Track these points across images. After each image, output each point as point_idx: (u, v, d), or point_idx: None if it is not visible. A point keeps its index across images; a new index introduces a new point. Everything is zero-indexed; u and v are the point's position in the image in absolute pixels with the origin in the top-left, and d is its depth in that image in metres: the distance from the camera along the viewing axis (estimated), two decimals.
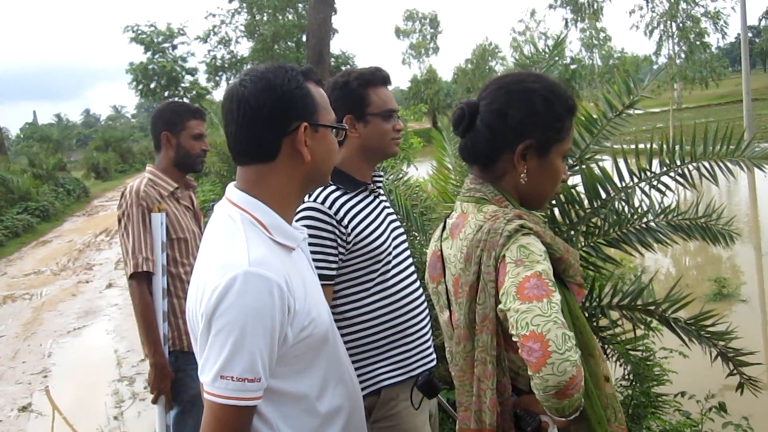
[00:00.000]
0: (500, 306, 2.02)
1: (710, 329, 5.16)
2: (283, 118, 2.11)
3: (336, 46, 54.47)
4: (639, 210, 5.08)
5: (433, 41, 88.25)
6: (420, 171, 13.16)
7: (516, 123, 2.23)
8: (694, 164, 4.85)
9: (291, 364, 2.09)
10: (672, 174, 4.94)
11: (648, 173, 4.99)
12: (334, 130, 2.27)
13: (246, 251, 1.99)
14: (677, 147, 4.93)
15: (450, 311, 2.35)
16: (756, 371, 5.47)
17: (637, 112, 5.29)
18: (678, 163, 4.91)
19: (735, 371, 5.32)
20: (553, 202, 5.12)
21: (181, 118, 4.41)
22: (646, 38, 42.37)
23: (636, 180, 5.02)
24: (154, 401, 4.20)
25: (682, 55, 39.40)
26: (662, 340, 6.07)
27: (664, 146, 4.97)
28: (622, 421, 2.17)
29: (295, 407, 2.13)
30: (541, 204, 2.45)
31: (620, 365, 5.77)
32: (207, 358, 1.96)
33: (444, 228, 2.46)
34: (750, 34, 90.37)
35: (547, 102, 2.24)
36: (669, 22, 39.37)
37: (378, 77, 3.15)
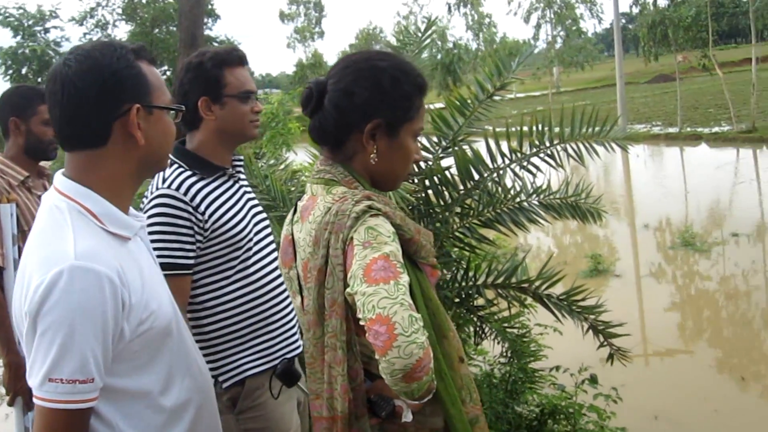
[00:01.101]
0: (348, 289, 1.97)
1: (581, 304, 5.32)
2: (113, 100, 1.97)
3: (221, 30, 53.43)
4: (512, 190, 5.17)
5: (318, 25, 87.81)
6: (300, 156, 13.05)
7: (362, 102, 2.17)
8: (562, 145, 4.96)
9: (130, 360, 1.97)
10: (541, 155, 5.03)
11: (519, 154, 5.07)
12: (170, 112, 2.15)
13: (72, 243, 1.85)
14: (546, 129, 5.01)
15: (302, 297, 2.29)
16: (625, 342, 5.68)
17: (519, 95, 5.39)
18: (547, 144, 5.01)
19: (605, 343, 5.49)
20: (427, 183, 5.13)
21: (30, 102, 4.16)
22: (526, 23, 43.66)
23: (507, 161, 5.08)
24: (10, 403, 3.98)
25: (560, 41, 40.67)
26: (536, 317, 6.22)
27: (534, 128, 5.05)
28: (477, 401, 2.17)
29: (138, 404, 2.01)
30: (394, 185, 2.40)
31: (498, 343, 5.88)
32: (34, 360, 1.83)
33: (295, 211, 2.39)
34: (623, 21, 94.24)
35: (395, 80, 2.20)
36: (546, 8, 40.52)
37: (234, 57, 3.04)
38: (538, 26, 40.29)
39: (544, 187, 5.31)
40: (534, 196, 5.23)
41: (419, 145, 2.42)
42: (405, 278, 1.95)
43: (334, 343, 2.05)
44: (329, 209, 2.11)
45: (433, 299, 2.12)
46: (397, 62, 2.26)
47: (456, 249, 5.51)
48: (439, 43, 47.01)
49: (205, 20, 26.94)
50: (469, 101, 5.24)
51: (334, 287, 2.04)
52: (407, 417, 2.09)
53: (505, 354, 5.95)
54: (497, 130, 5.27)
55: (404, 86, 2.21)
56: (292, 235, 2.34)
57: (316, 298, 2.09)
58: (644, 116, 37.58)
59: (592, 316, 5.34)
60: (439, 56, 46.63)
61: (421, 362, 1.84)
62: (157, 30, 40.66)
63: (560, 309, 5.24)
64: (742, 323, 10.53)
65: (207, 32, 29.19)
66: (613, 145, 5.07)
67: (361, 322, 1.88)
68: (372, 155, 2.20)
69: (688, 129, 30.28)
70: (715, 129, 29.71)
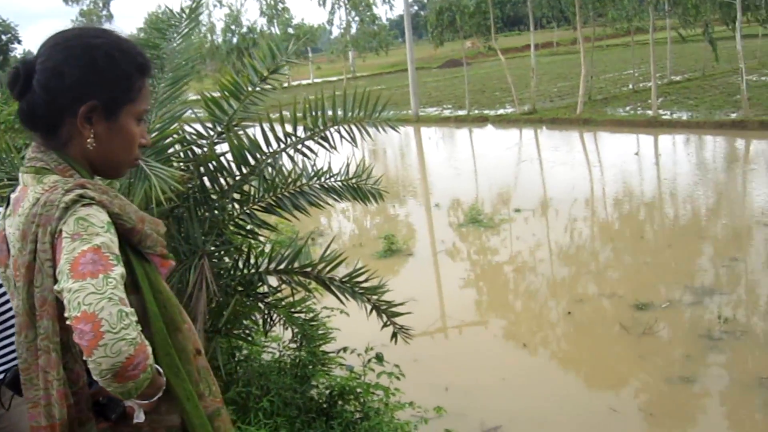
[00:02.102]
0: (56, 286, 1.82)
1: (364, 285, 5.36)
2: None
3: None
4: (292, 174, 5.12)
5: (105, 8, 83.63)
6: None
7: (74, 82, 1.98)
8: (335, 128, 4.96)
9: None
10: (316, 138, 5.01)
11: (294, 138, 5.03)
12: None
13: None
14: (319, 113, 5.00)
15: None
16: (421, 318, 5.81)
17: (316, 80, 5.31)
18: (321, 127, 4.99)
19: (389, 322, 5.59)
20: (202, 170, 4.98)
21: None
22: (322, 8, 43.96)
23: (283, 145, 5.03)
24: None
25: (355, 26, 41.28)
26: (325, 301, 6.25)
27: (308, 112, 5.03)
28: (217, 394, 2.09)
29: None
30: (118, 172, 2.24)
31: (286, 329, 5.85)
32: None
33: (8, 204, 2.18)
34: (416, 7, 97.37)
35: (111, 59, 2.03)
36: None
37: None
38: (332, 11, 40.69)
39: (325, 169, 5.31)
40: (315, 179, 5.22)
41: (146, 128, 2.26)
42: (117, 271, 1.81)
43: (47, 345, 1.88)
44: (38, 200, 1.93)
45: (163, 291, 2.00)
46: (113, 39, 2.09)
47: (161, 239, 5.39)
48: (234, 27, 46.38)
49: None
50: (242, 84, 5.12)
51: (43, 285, 1.87)
52: (139, 417, 1.98)
53: (294, 339, 5.94)
54: (285, 113, 5.21)
55: (122, 65, 2.05)
56: (5, 230, 2.14)
57: (26, 297, 1.91)
58: (436, 99, 39.00)
59: (375, 297, 5.41)
60: (234, 40, 45.95)
61: (133, 360, 1.72)
62: None
63: (343, 291, 5.28)
64: (527, 294, 11.20)
65: None
66: (386, 126, 5.10)
67: (68, 322, 1.74)
68: (89, 140, 2.03)
69: (476, 111, 31.77)
70: (500, 111, 31.39)
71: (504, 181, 19.15)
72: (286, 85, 54.08)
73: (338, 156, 5.21)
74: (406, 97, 34.05)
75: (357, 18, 40.64)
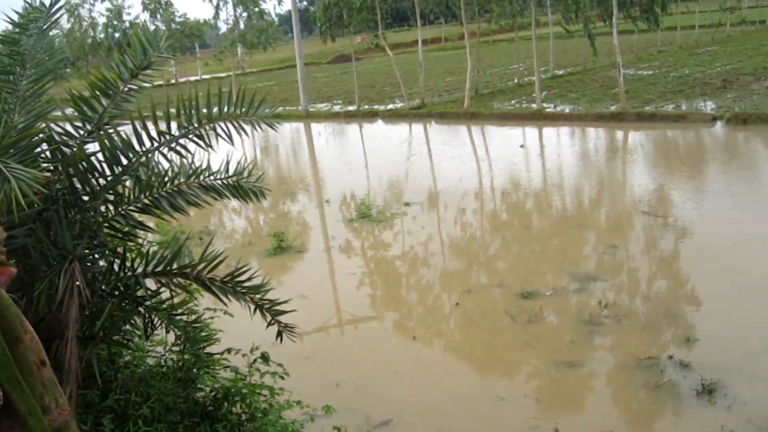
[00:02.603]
0: None
1: (246, 284, 5.28)
2: None
3: None
4: (169, 173, 4.99)
5: None
6: None
7: None
8: (211, 125, 4.86)
9: None
10: (190, 136, 4.89)
11: (168, 136, 4.89)
12: None
13: None
14: (193, 110, 4.89)
15: None
16: (314, 314, 5.74)
17: (204, 77, 5.15)
18: (195, 125, 4.88)
19: (273, 321, 5.52)
20: (71, 171, 4.79)
21: None
22: (209, 3, 42.94)
23: (156, 144, 4.88)
24: None
25: (242, 21, 40.63)
26: (207, 302, 6.12)
27: (182, 110, 4.90)
28: (65, 407, 2.00)
29: None
30: None
31: (168, 332, 5.70)
32: None
33: None
34: (306, 3, 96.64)
35: None
36: None
37: None
38: (218, 6, 39.94)
39: (203, 168, 5.20)
40: (193, 178, 5.10)
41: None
42: None
43: None
44: None
45: (1, 300, 1.90)
46: None
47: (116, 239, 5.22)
48: (116, 23, 44.82)
49: None
50: (114, 82, 4.94)
51: None
52: None
53: (177, 342, 5.78)
54: (167, 112, 5.06)
55: None
56: None
57: None
58: (326, 95, 38.97)
59: (258, 296, 5.34)
60: (116, 35, 44.44)
61: None
62: None
63: (225, 292, 5.18)
64: (417, 287, 11.30)
65: None
66: (263, 123, 5.03)
67: None
68: None
69: (366, 106, 31.92)
70: (390, 106, 31.65)
71: (395, 175, 19.28)
72: (173, 81, 52.84)
73: (230, 154, 5.11)
74: (296, 93, 33.86)
75: (244, 13, 40.00)
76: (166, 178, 4.96)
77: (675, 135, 21.34)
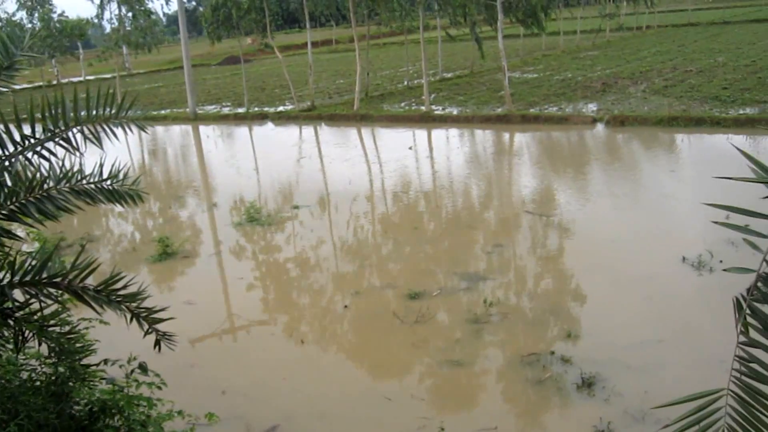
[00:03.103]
0: None
1: (121, 293, 5.10)
2: None
3: None
4: (37, 178, 4.76)
5: None
6: None
7: None
8: (78, 128, 4.67)
9: None
10: (57, 139, 4.69)
11: (33, 140, 4.67)
12: None
13: None
14: (60, 112, 4.69)
15: None
16: (181, 325, 5.58)
17: (89, 77, 4.91)
18: (62, 128, 4.68)
19: (151, 330, 5.36)
20: None
21: None
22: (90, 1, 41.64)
23: (20, 148, 4.65)
24: None
25: (128, 21, 39.44)
26: (83, 312, 5.89)
27: (47, 112, 4.69)
28: None
29: None
30: None
31: (40, 344, 5.45)
32: None
33: None
34: (194, 2, 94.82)
35: None
36: None
37: None
38: (101, 5, 38.56)
39: (75, 171, 4.98)
40: (64, 182, 4.88)
41: None
42: None
43: None
44: None
45: None
46: None
47: None
48: None
49: None
50: None
51: None
52: None
53: (51, 355, 5.53)
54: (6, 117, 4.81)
55: None
56: None
57: None
58: (215, 97, 38.32)
59: (134, 304, 5.16)
60: None
61: None
62: None
63: (99, 301, 4.98)
64: (306, 290, 11.22)
65: None
66: (132, 125, 4.87)
67: None
68: None
69: (256, 109, 31.58)
70: (280, 108, 31.40)
71: (285, 178, 19.14)
72: (55, 82, 50.83)
73: (103, 157, 4.92)
74: (184, 95, 33.15)
75: (130, 13, 38.81)
76: (34, 183, 4.73)
77: (558, 136, 22.04)
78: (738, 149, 2.85)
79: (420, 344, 8.92)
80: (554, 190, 15.79)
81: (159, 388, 5.70)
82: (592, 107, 24.45)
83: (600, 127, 22.07)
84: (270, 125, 29.04)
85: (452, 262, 11.61)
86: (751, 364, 2.57)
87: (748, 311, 2.55)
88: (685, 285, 9.88)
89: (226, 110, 32.92)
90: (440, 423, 6.94)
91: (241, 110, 31.68)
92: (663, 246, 11.28)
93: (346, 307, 10.18)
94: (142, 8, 39.26)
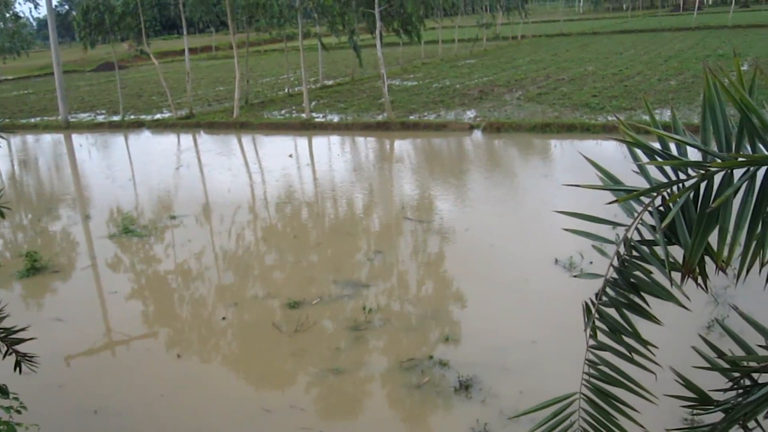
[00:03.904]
0: None
1: None
2: None
3: None
4: None
5: None
6: None
7: None
8: None
9: None
10: None
11: None
12: None
13: None
14: None
15: None
16: (29, 347, 5.30)
17: None
18: None
19: (11, 351, 5.11)
20: None
21: None
22: None
23: None
24: None
25: None
26: None
27: None
28: None
29: None
30: None
31: None
32: None
33: None
34: (66, 6, 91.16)
35: None
36: None
37: None
38: None
39: None
40: None
41: None
42: None
43: None
44: None
45: None
46: None
47: None
48: None
49: None
50: None
51: None
52: None
53: None
54: None
55: None
56: None
57: None
58: (89, 105, 36.93)
59: None
60: None
61: None
62: None
63: None
64: (182, 303, 10.96)
65: None
66: None
67: None
68: None
69: (132, 116, 30.69)
70: (158, 116, 30.61)
71: (163, 187, 18.66)
72: None
73: None
74: (56, 102, 31.79)
75: None
76: None
77: (437, 143, 22.44)
78: (585, 157, 2.97)
79: (300, 353, 8.87)
80: (434, 197, 16.05)
81: (18, 411, 5.43)
82: (469, 114, 25.02)
83: (477, 133, 22.61)
84: (147, 133, 28.25)
85: (333, 269, 11.60)
86: (600, 367, 2.67)
87: (596, 315, 2.66)
88: (557, 286, 10.23)
89: (100, 118, 31.78)
90: None
91: (116, 118, 30.66)
92: (537, 249, 11.65)
93: (224, 318, 10.02)
94: (10, 12, 37.53)
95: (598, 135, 20.63)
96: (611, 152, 18.27)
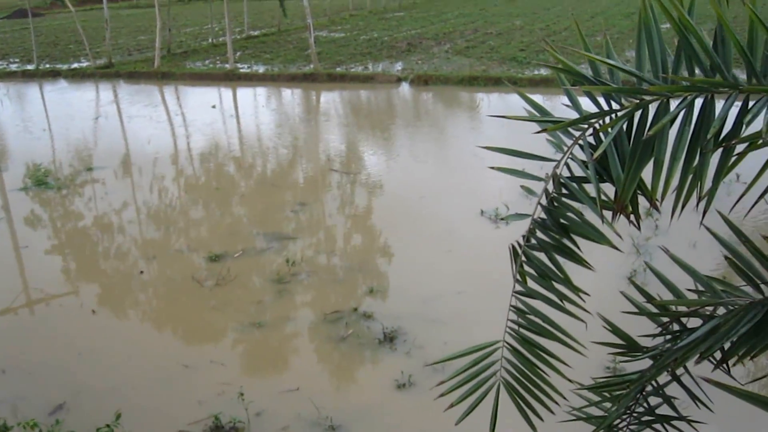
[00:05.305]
0: None
1: None
2: None
3: None
4: None
5: None
6: None
7: None
8: None
9: None
10: None
11: None
12: None
13: None
14: None
15: None
16: None
17: None
18: None
19: None
20: None
21: None
22: None
23: None
24: None
25: None
26: None
27: None
28: None
29: None
30: None
31: None
32: None
33: None
34: None
35: None
36: None
37: None
38: None
39: None
40: None
41: None
42: None
43: None
44: None
45: None
46: None
47: None
48: None
49: None
50: None
51: None
52: None
53: None
54: None
55: None
56: None
57: None
58: (1, 53, 35.19)
59: None
60: None
61: None
62: None
63: None
64: (97, 257, 10.55)
65: None
66: None
67: None
68: None
69: (47, 66, 29.33)
70: (75, 65, 29.34)
71: (80, 139, 17.89)
72: None
73: None
74: None
75: None
76: None
77: (364, 95, 22.13)
78: (509, 84, 2.79)
79: (221, 307, 8.63)
80: (361, 149, 15.82)
81: None
82: (397, 67, 24.71)
83: (405, 86, 22.37)
84: (63, 83, 27.05)
85: (257, 222, 11.33)
86: (526, 315, 2.52)
87: (524, 258, 2.49)
88: (482, 237, 10.18)
89: (13, 67, 30.32)
90: (240, 388, 6.70)
91: (30, 67, 29.29)
92: (463, 201, 11.56)
93: (141, 273, 9.66)
94: None
95: (524, 88, 20.60)
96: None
